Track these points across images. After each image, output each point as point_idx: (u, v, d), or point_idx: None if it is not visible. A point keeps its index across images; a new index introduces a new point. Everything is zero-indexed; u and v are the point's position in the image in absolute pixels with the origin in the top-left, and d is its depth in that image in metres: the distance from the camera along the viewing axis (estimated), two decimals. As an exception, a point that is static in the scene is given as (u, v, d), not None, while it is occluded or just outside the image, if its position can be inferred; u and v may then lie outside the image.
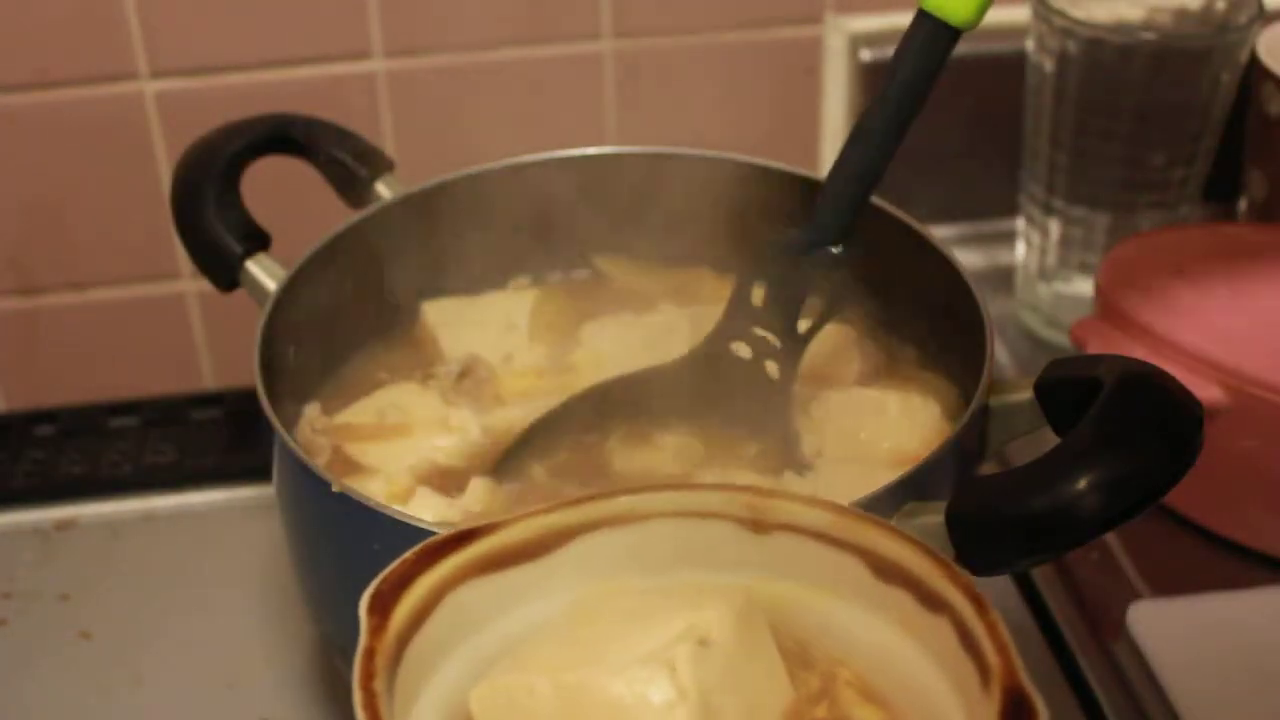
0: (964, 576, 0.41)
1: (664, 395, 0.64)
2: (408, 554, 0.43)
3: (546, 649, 0.43)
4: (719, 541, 0.45)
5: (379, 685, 0.39)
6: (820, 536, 0.44)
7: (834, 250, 0.59)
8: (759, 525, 0.45)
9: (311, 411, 0.66)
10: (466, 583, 0.43)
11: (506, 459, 0.64)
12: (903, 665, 0.43)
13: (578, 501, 0.45)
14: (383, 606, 0.41)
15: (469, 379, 0.67)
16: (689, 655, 0.40)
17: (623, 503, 0.45)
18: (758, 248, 0.61)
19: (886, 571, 0.43)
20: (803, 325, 0.61)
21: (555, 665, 0.42)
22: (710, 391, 0.64)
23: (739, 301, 0.63)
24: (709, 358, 0.64)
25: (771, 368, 0.63)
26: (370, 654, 0.40)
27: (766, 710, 0.43)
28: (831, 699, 0.44)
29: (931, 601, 0.42)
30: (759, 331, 0.62)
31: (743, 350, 0.63)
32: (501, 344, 0.69)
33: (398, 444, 0.64)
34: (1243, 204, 0.89)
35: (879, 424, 0.63)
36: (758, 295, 0.62)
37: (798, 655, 0.45)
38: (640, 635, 0.42)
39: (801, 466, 0.61)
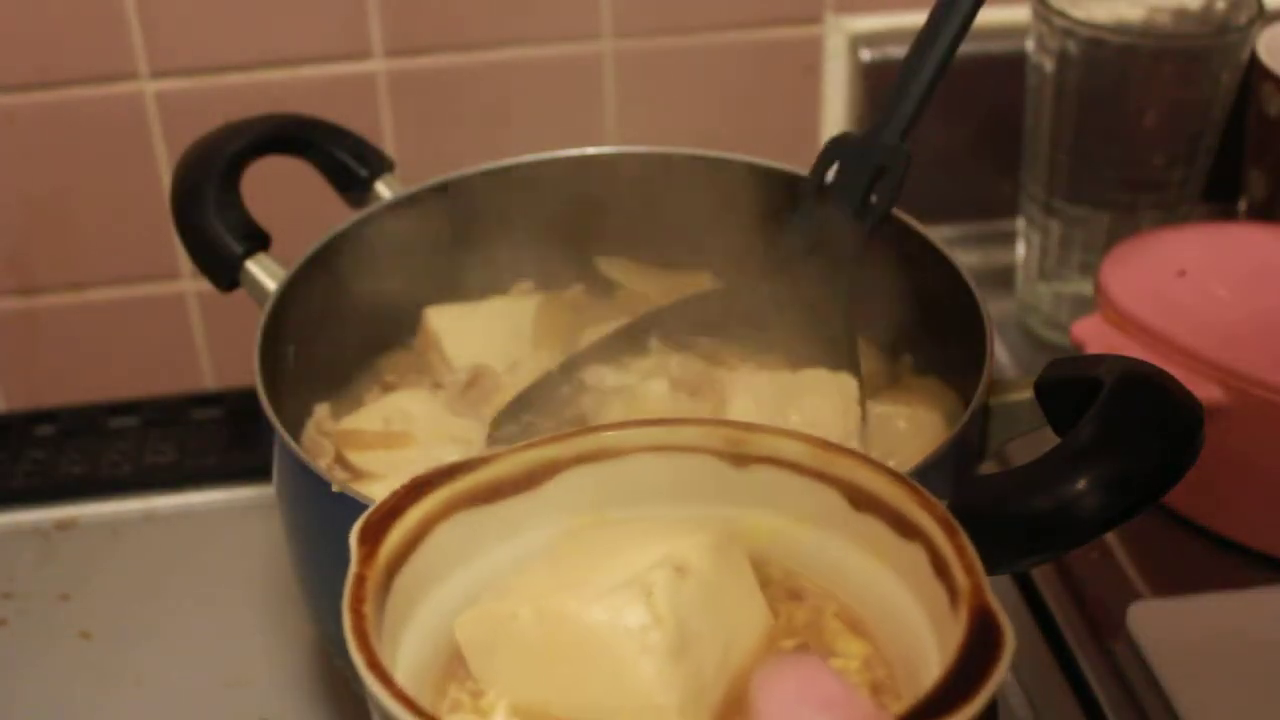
0: (936, 504, 0.42)
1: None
2: (397, 487, 0.44)
3: (530, 579, 0.44)
4: (699, 475, 0.46)
5: (368, 609, 0.40)
6: (798, 468, 0.45)
7: (901, 142, 0.63)
8: (738, 459, 0.46)
9: (321, 413, 0.66)
10: (454, 515, 0.44)
11: (497, 428, 0.64)
12: (880, 593, 0.44)
13: (561, 437, 0.46)
14: (372, 536, 0.42)
15: (475, 389, 0.67)
16: (665, 581, 0.41)
17: (605, 438, 0.46)
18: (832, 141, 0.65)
19: (863, 501, 0.44)
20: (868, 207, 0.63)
21: (537, 593, 0.43)
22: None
23: (806, 194, 0.65)
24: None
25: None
26: (360, 580, 0.41)
27: (743, 637, 0.44)
28: (817, 630, 0.45)
29: (905, 528, 0.43)
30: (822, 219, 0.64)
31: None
32: (506, 350, 0.69)
33: (401, 452, 0.64)
34: (1243, 204, 0.89)
35: (887, 438, 0.63)
36: (829, 177, 0.64)
37: (784, 585, 0.46)
38: (619, 564, 0.43)
39: None
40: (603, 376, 0.65)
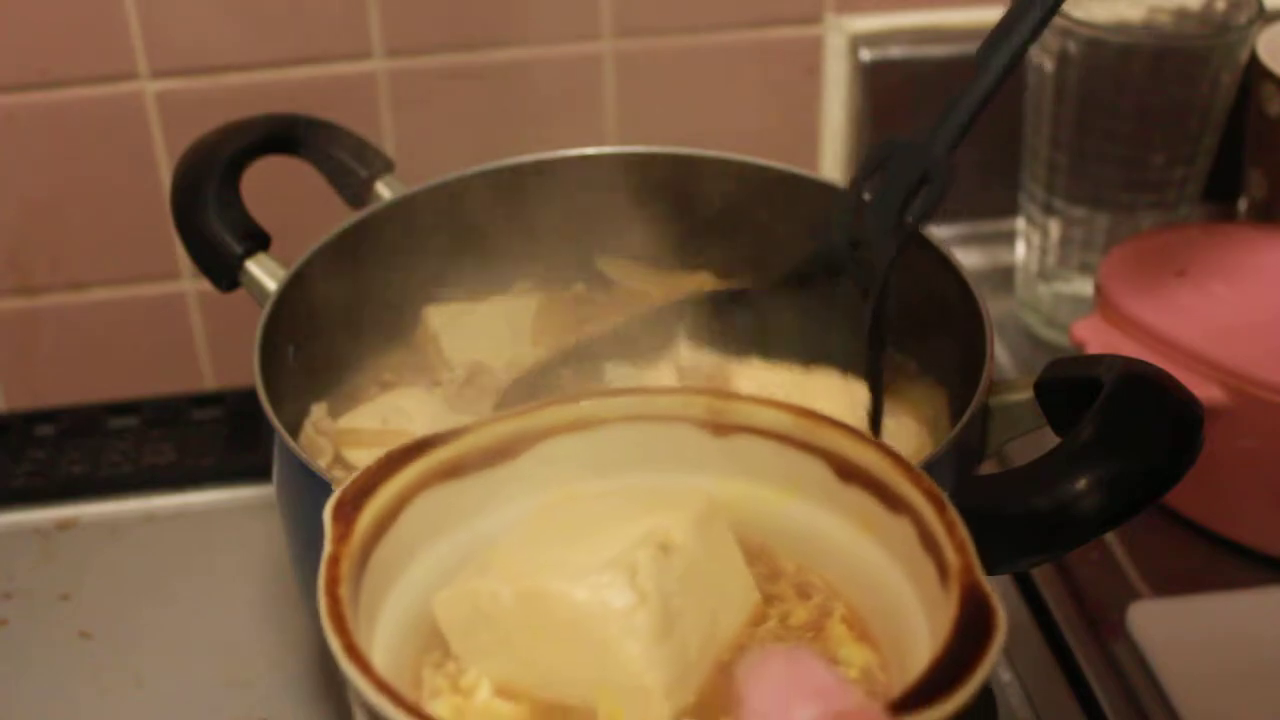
0: (925, 478, 0.42)
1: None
2: (370, 463, 0.43)
3: (509, 555, 0.43)
4: (679, 444, 0.46)
5: (344, 591, 0.39)
6: (781, 438, 0.45)
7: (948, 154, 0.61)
8: (718, 428, 0.46)
9: (318, 412, 0.66)
10: (429, 489, 0.44)
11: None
12: (865, 566, 0.44)
13: (537, 408, 0.45)
14: (346, 514, 0.42)
15: (472, 386, 0.67)
16: (649, 559, 0.41)
17: (582, 407, 0.46)
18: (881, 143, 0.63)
19: (849, 473, 0.44)
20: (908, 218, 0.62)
21: (517, 572, 0.42)
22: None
23: (849, 197, 0.63)
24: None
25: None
26: (335, 560, 0.40)
27: (729, 613, 0.43)
28: (818, 631, 0.44)
29: (893, 502, 0.42)
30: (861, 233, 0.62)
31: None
32: (505, 349, 0.69)
33: None
34: (1243, 204, 0.89)
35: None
36: (871, 186, 0.63)
37: (794, 580, 0.46)
38: (602, 540, 0.42)
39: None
40: (610, 365, 0.65)
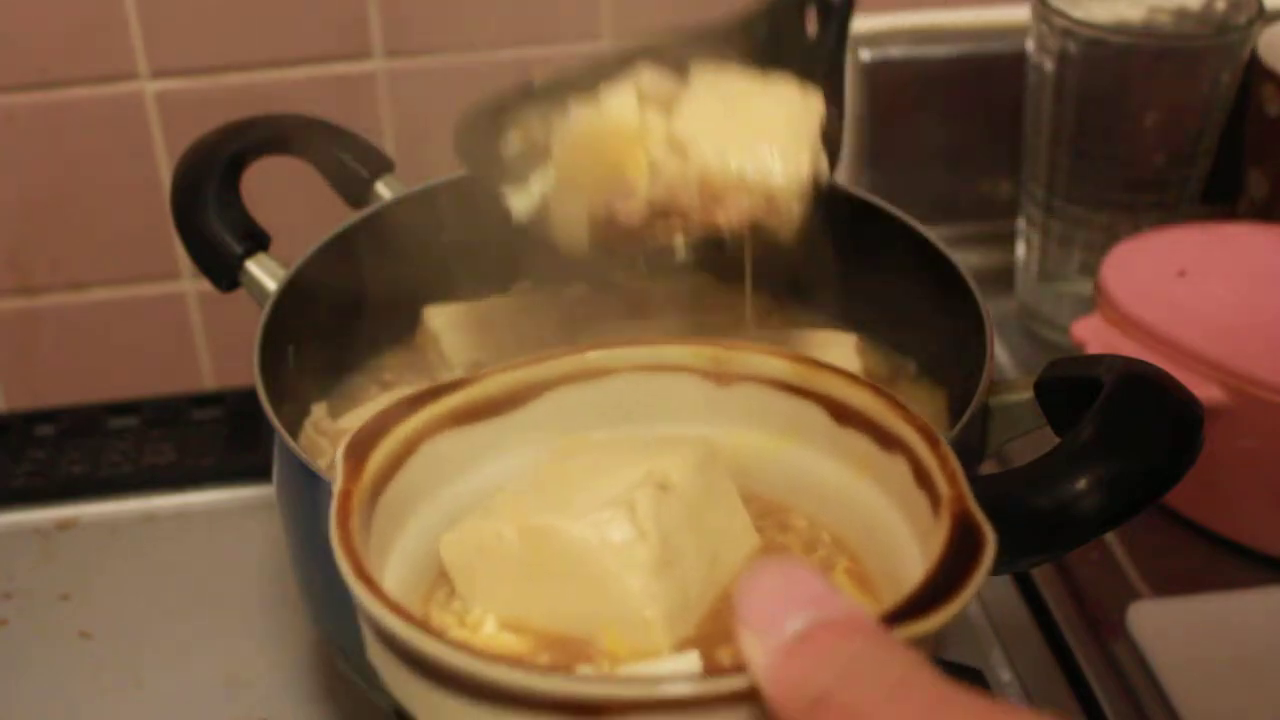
0: (918, 416, 0.43)
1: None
2: (385, 407, 0.45)
3: (515, 498, 0.44)
4: (684, 394, 0.47)
5: (355, 524, 0.40)
6: (781, 386, 0.46)
7: None
8: (721, 377, 0.47)
9: (318, 412, 0.66)
10: (440, 434, 0.45)
11: (462, 130, 0.62)
12: (863, 508, 0.45)
13: (546, 358, 0.47)
14: (359, 453, 0.43)
15: None
16: (649, 498, 0.42)
17: (590, 358, 0.47)
18: None
19: (845, 416, 0.45)
20: None
21: (521, 512, 0.43)
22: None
23: None
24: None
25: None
26: (347, 495, 0.41)
27: (728, 555, 0.44)
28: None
29: (888, 441, 0.43)
30: None
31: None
32: (505, 349, 0.69)
33: None
34: (1243, 204, 0.89)
35: None
36: None
37: (803, 535, 0.47)
38: (604, 482, 0.43)
39: None
40: (572, 99, 0.61)
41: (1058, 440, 0.49)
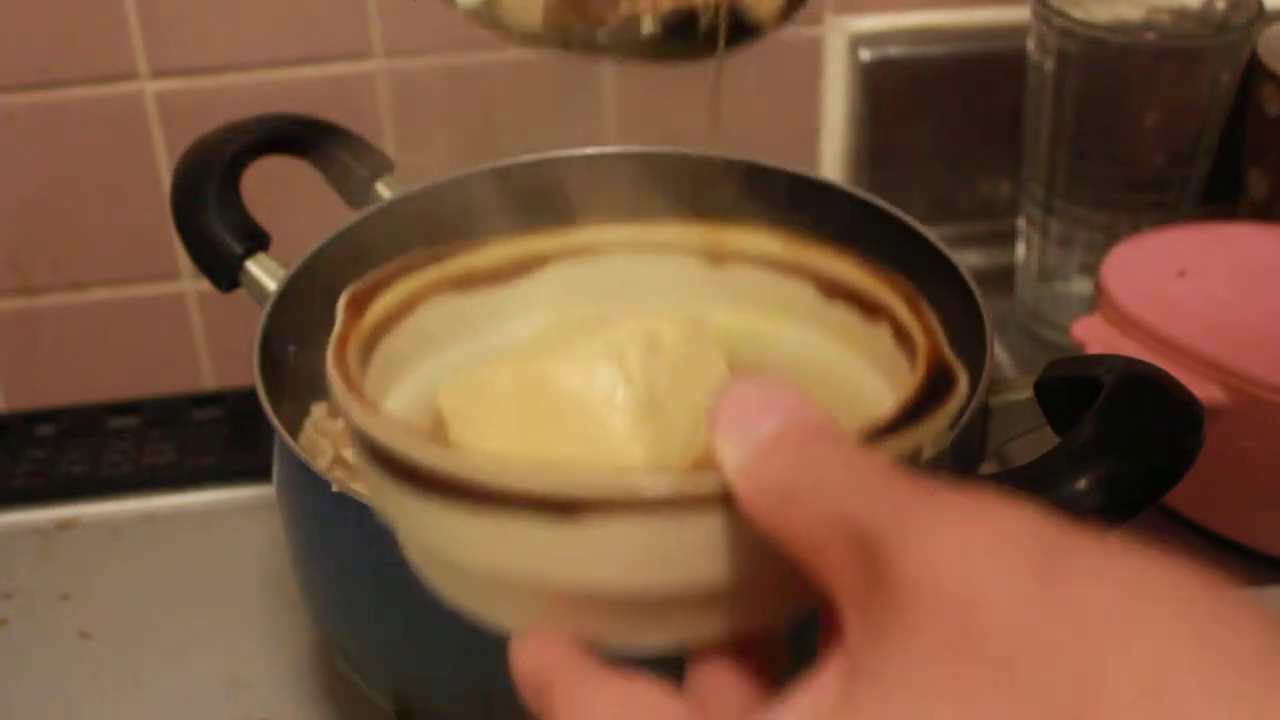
0: (901, 280, 0.44)
1: None
2: (384, 266, 0.46)
3: (514, 353, 0.46)
4: (678, 274, 0.49)
5: (351, 360, 0.41)
6: (772, 264, 0.48)
7: None
8: (715, 257, 0.49)
9: (318, 412, 0.66)
10: (438, 296, 0.47)
11: None
12: (849, 383, 0.46)
13: (545, 232, 0.49)
14: (359, 304, 0.44)
15: None
16: (637, 349, 0.43)
17: (588, 234, 0.49)
18: None
19: (832, 290, 0.46)
20: None
21: (518, 358, 0.44)
22: None
23: None
24: None
25: None
26: (343, 340, 0.42)
27: None
28: None
29: (872, 310, 0.45)
30: None
31: None
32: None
33: None
34: (1243, 204, 0.89)
35: None
36: None
37: None
38: (597, 339, 0.44)
39: None
40: None
41: (1058, 440, 0.49)
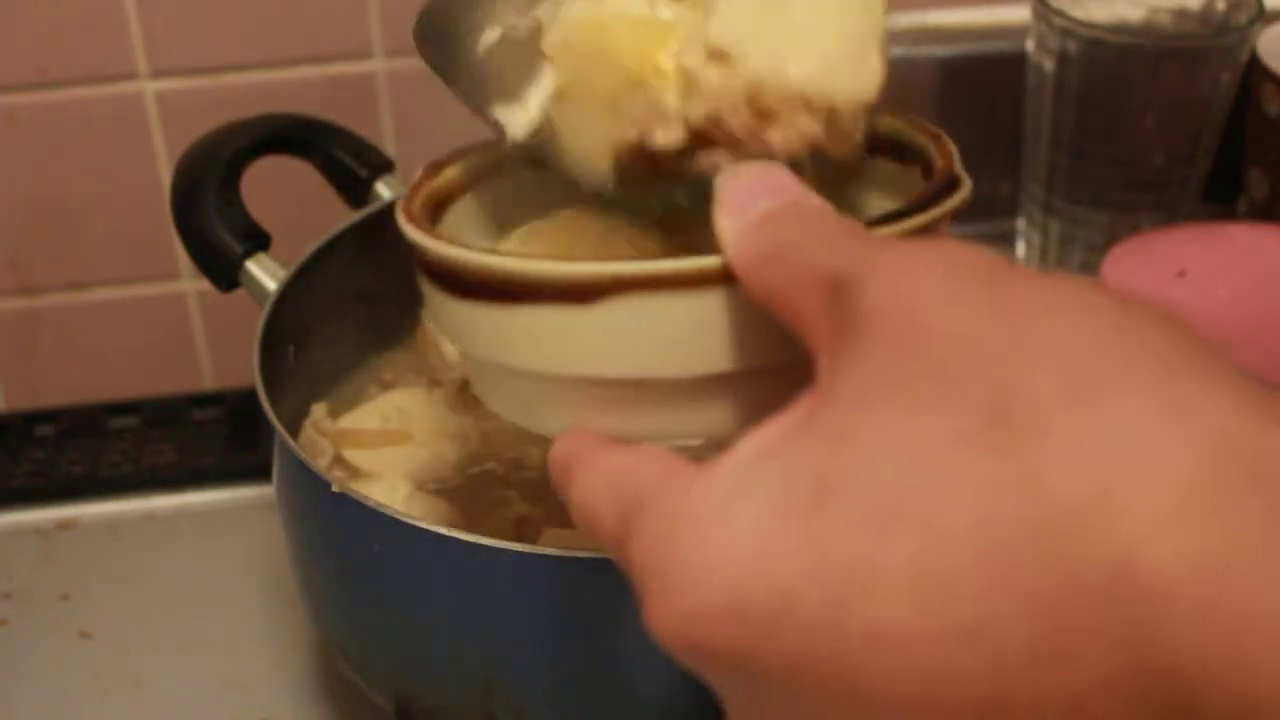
0: (929, 125, 0.48)
1: None
2: (464, 147, 0.51)
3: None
4: None
5: (418, 209, 0.47)
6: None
7: None
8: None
9: (318, 412, 0.66)
10: (510, 177, 0.51)
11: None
12: None
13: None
14: (433, 168, 0.50)
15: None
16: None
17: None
18: None
19: (874, 145, 0.48)
20: None
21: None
22: None
23: None
24: None
25: None
26: (416, 189, 0.49)
27: None
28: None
29: (906, 154, 0.49)
30: None
31: None
32: None
33: (399, 450, 0.64)
34: (1243, 204, 0.89)
35: None
36: None
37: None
38: None
39: None
40: None
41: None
